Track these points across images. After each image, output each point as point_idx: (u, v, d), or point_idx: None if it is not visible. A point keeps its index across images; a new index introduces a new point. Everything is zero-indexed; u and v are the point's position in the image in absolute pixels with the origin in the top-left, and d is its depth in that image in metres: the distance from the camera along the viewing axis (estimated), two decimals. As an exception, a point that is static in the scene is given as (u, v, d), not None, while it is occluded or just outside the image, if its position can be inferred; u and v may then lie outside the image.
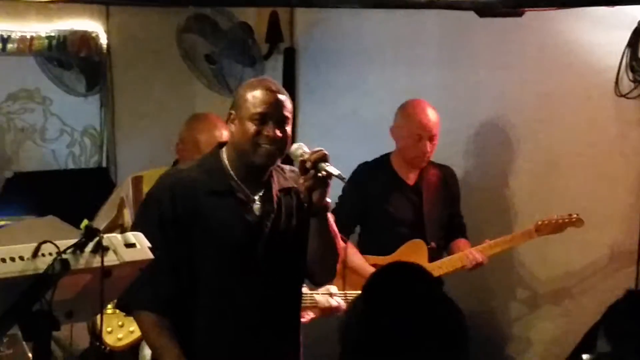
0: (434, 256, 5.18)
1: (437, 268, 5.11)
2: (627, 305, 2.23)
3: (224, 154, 3.54)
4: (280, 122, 3.43)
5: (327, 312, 4.21)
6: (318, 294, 4.25)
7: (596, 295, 5.49)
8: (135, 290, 2.98)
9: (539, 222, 5.21)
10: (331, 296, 4.24)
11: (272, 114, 3.42)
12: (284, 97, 3.47)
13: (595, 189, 5.64)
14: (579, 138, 5.68)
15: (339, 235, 3.61)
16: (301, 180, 3.37)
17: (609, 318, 2.24)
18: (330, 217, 3.49)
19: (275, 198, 3.53)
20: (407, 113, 5.21)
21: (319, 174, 3.31)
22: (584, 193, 5.65)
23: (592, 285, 5.62)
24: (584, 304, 5.59)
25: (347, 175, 5.24)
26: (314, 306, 4.29)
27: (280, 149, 3.45)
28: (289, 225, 3.55)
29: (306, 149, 3.39)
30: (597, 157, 5.62)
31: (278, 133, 3.41)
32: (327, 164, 3.32)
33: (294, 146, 3.43)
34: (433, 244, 5.20)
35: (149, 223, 3.36)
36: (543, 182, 5.82)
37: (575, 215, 5.22)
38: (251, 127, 3.40)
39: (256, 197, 3.51)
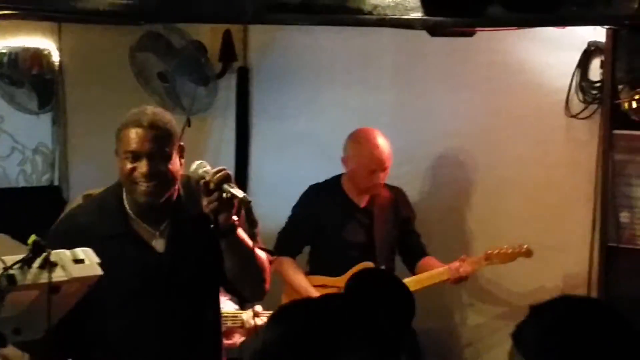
0: (384, 279, 5.17)
1: (416, 282, 5.11)
2: (533, 321, 2.22)
3: (124, 190, 3.45)
4: (155, 157, 3.31)
5: (253, 332, 4.17)
6: (244, 313, 4.22)
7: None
8: None
9: (489, 252, 5.22)
10: (257, 316, 4.21)
11: (144, 150, 3.30)
12: (158, 131, 3.33)
13: (547, 209, 5.68)
14: (530, 158, 5.72)
15: (260, 251, 3.48)
16: (205, 202, 3.21)
17: (519, 337, 2.23)
18: (242, 232, 3.32)
19: (180, 227, 3.41)
20: (359, 146, 5.17)
21: (224, 196, 3.18)
22: (536, 214, 5.69)
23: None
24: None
25: (298, 194, 5.34)
26: (241, 326, 4.26)
27: (163, 183, 3.34)
28: (199, 252, 3.41)
29: (208, 168, 3.24)
30: (548, 177, 5.66)
31: (151, 169, 3.30)
32: (231, 184, 3.18)
33: (194, 165, 3.27)
34: (382, 268, 5.19)
35: None
36: (495, 203, 5.85)
37: (525, 246, 5.24)
38: (126, 165, 3.32)
39: (157, 233, 3.43)
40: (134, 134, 3.31)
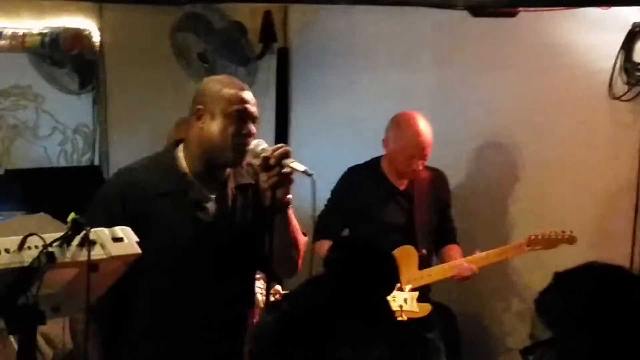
0: (424, 262, 5.12)
1: (427, 276, 5.07)
2: (557, 287, 2.19)
3: (180, 152, 3.50)
4: (255, 120, 3.42)
5: None
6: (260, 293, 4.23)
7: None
8: None
9: (532, 237, 5.15)
10: (275, 295, 4.22)
11: (250, 112, 3.40)
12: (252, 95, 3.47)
13: (589, 192, 5.62)
14: (572, 141, 5.66)
15: (300, 230, 3.56)
16: (264, 178, 3.30)
17: (542, 304, 2.20)
18: (291, 212, 3.44)
19: (231, 196, 3.50)
20: (400, 130, 5.11)
21: (284, 171, 3.27)
22: (578, 198, 5.64)
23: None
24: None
25: (337, 177, 5.31)
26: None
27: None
28: (244, 224, 3.51)
29: (266, 146, 3.34)
30: (592, 159, 5.61)
31: (254, 130, 3.41)
32: (291, 159, 3.28)
33: (254, 143, 3.37)
34: (424, 251, 5.14)
35: (97, 222, 3.24)
36: (537, 186, 5.80)
37: (568, 232, 5.16)
38: (230, 125, 3.36)
39: (212, 196, 3.48)
40: (240, 94, 3.41)
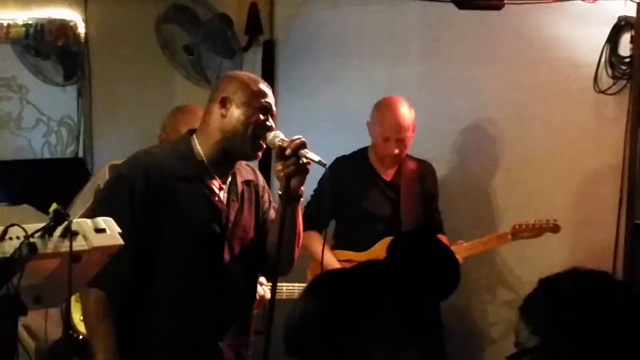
0: (410, 254, 5.13)
1: None
2: (542, 294, 2.18)
3: (196, 140, 3.55)
4: (274, 117, 3.53)
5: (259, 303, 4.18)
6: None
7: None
8: None
9: (516, 226, 5.17)
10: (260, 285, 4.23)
11: (272, 109, 3.51)
12: None
13: (574, 185, 5.63)
14: (557, 134, 5.66)
15: (302, 227, 3.66)
16: (279, 167, 3.39)
17: (527, 311, 2.19)
18: (299, 207, 3.54)
19: (239, 188, 3.58)
20: (379, 112, 5.14)
21: (300, 161, 3.35)
22: (562, 190, 5.64)
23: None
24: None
25: (323, 168, 5.30)
26: None
27: None
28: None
29: (284, 137, 3.42)
30: (576, 153, 5.61)
31: (274, 126, 3.51)
32: (306, 150, 3.36)
33: (271, 135, 3.45)
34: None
35: (119, 200, 3.36)
36: (522, 178, 5.80)
37: (552, 221, 5.19)
38: (254, 115, 3.45)
39: (224, 186, 3.55)
40: (267, 90, 3.52)
